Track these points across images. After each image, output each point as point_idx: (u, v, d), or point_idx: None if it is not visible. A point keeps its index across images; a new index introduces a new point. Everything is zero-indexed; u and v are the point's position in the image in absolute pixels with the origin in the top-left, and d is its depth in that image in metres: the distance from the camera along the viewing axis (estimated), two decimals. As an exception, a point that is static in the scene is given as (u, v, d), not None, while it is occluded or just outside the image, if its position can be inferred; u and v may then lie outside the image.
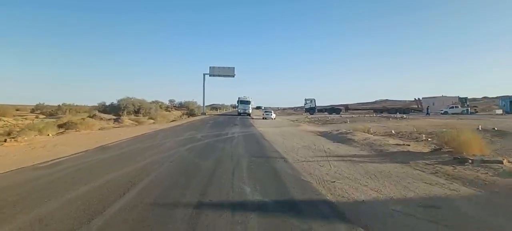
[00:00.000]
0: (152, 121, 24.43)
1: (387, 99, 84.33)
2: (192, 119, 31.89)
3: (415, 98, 52.91)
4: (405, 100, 75.81)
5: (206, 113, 50.23)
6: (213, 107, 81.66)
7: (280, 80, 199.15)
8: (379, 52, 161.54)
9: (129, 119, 24.05)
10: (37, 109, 49.96)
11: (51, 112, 46.10)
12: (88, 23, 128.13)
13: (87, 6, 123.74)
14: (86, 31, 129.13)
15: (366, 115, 40.34)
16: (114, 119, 22.92)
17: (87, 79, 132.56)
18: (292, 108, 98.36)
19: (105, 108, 37.39)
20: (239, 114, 41.41)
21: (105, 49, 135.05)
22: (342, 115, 42.70)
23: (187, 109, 57.34)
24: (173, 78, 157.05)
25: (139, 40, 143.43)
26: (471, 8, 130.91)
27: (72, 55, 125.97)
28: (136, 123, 21.62)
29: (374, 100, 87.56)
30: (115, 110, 35.26)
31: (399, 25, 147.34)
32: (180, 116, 35.02)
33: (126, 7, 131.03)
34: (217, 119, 29.68)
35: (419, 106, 49.66)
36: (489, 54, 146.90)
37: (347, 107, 54.61)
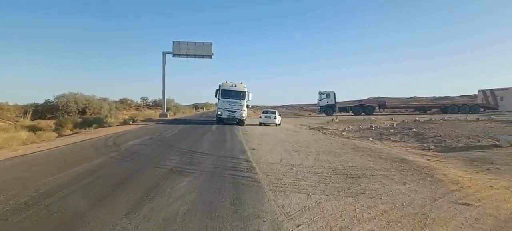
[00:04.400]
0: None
1: (379, 97, 75.27)
2: (122, 129, 15.94)
3: (481, 90, 37.72)
4: (400, 97, 70.37)
5: (173, 115, 35.30)
6: (196, 106, 67.35)
7: (268, 78, 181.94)
8: (367, 48, 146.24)
9: None
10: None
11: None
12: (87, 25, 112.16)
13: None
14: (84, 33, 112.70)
15: (440, 116, 24.28)
16: None
17: (86, 79, 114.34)
18: (282, 107, 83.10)
19: (36, 108, 26.86)
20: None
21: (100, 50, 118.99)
22: (394, 119, 24.34)
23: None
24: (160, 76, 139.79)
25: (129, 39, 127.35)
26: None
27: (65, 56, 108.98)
28: None
29: (366, 97, 77.21)
30: (51, 111, 26.40)
31: (389, 18, 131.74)
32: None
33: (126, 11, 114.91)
34: (163, 133, 13.64)
35: (492, 102, 35.03)
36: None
37: (384, 105, 37.95)
